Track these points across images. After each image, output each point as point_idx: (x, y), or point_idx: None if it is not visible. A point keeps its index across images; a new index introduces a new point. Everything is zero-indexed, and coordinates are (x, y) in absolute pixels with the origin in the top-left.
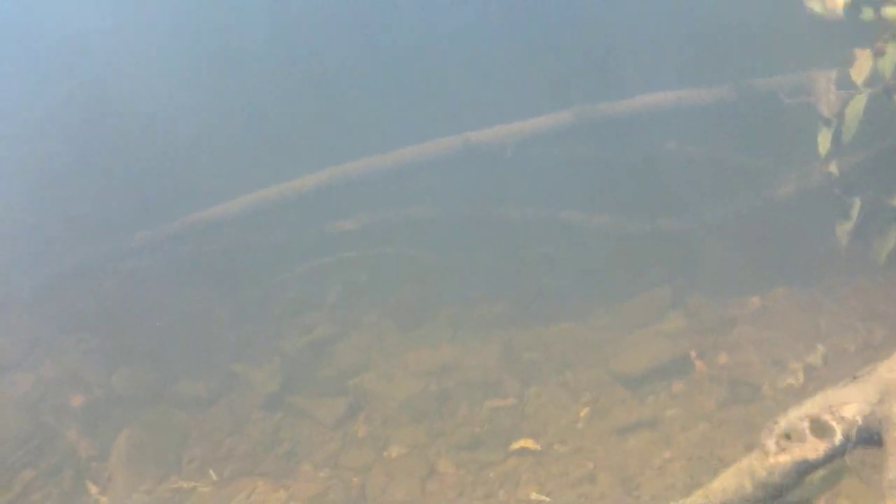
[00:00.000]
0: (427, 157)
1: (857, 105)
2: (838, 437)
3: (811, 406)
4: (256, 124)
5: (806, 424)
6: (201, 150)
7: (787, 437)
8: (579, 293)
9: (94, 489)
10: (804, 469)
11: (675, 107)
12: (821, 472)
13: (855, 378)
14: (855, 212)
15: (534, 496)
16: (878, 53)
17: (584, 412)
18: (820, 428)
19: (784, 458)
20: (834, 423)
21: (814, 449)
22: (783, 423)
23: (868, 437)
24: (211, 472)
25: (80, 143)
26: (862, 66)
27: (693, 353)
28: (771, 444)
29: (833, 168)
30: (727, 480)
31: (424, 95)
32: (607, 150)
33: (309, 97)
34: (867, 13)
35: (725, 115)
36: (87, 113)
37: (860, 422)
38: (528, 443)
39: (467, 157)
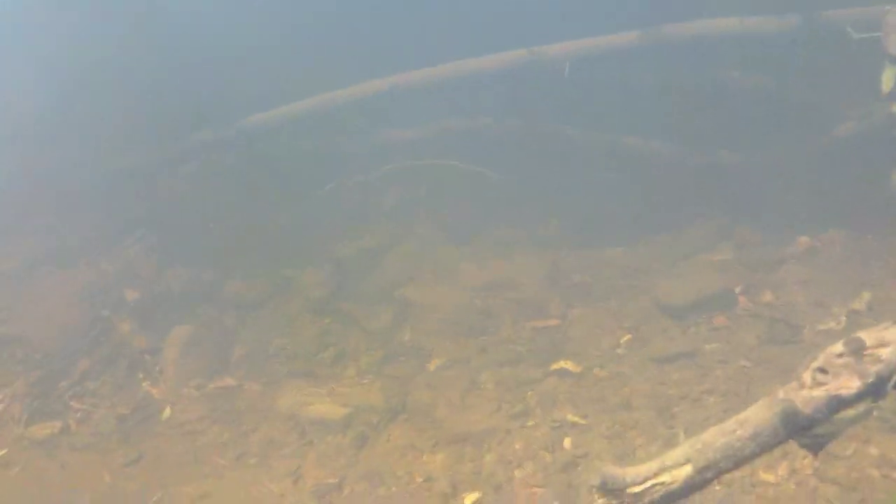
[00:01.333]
0: (491, 70)
1: None
2: (872, 377)
3: (850, 344)
4: (320, 29)
5: (843, 361)
6: (264, 55)
7: (824, 371)
8: (632, 220)
9: (145, 381)
10: (836, 405)
11: (740, 34)
12: (851, 412)
13: None
14: None
15: (569, 417)
16: None
17: (626, 339)
18: (856, 366)
19: (818, 393)
20: (870, 364)
21: (848, 386)
22: (821, 357)
23: None
24: (258, 371)
25: (145, 47)
26: None
27: (738, 289)
28: (807, 376)
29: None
30: (761, 409)
31: (493, 7)
32: (671, 76)
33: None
34: None
35: (791, 47)
36: (153, 18)
37: None
38: (567, 364)
39: (533, 76)
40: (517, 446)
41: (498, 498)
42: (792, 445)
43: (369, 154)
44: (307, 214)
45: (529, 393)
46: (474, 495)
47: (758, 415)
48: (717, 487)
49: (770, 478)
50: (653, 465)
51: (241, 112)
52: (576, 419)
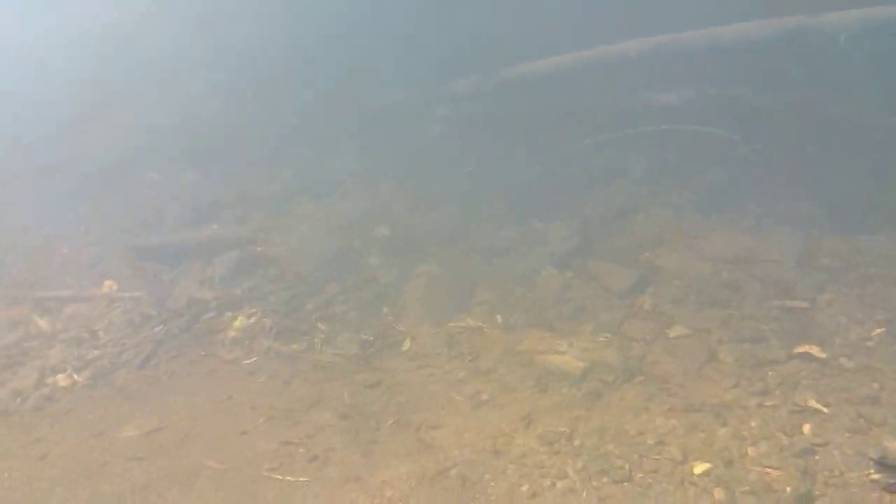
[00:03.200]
0: (750, 38)
1: None
2: None
3: None
4: None
5: None
6: (532, 6)
7: None
8: None
9: (387, 313)
10: None
11: None
12: None
13: None
14: None
15: (811, 403)
16: None
17: (878, 332)
18: None
19: None
20: None
21: None
22: None
23: None
24: (498, 316)
25: None
26: None
27: None
28: None
29: None
30: None
31: None
32: None
33: None
34: None
35: None
36: None
37: None
38: (812, 349)
39: (798, 46)
40: (753, 424)
41: (728, 472)
42: None
43: (623, 114)
44: (556, 167)
45: (770, 373)
46: (704, 465)
47: None
48: None
49: None
50: None
51: (501, 61)
52: (818, 406)
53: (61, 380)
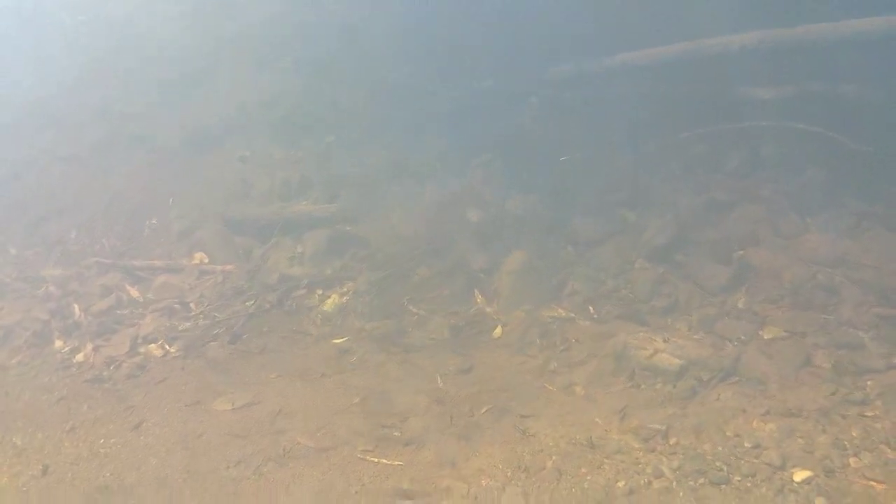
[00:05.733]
0: (869, 31)
1: None
2: None
3: None
4: None
5: None
6: None
7: None
8: None
9: (480, 298)
10: None
11: None
12: None
13: None
14: None
15: None
16: None
17: None
18: None
19: None
20: None
21: None
22: None
23: None
24: (590, 307)
25: None
26: None
27: None
28: None
29: None
30: None
31: None
32: None
33: None
34: None
35: None
36: None
37: None
38: None
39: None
40: (854, 433)
41: (830, 482)
42: None
43: (719, 107)
44: (652, 158)
45: (870, 382)
46: (805, 473)
47: None
48: None
49: None
50: None
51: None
52: None
53: (153, 350)
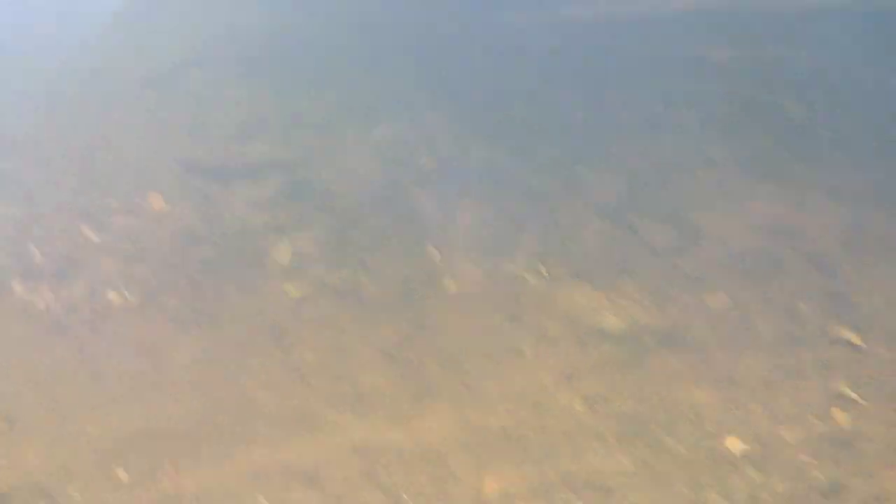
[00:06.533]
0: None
1: None
2: None
3: None
4: None
5: None
6: None
7: None
8: None
9: (434, 253)
10: None
11: None
12: None
13: None
14: None
15: (845, 390)
16: None
17: None
18: None
19: None
20: None
21: None
22: None
23: None
24: (541, 266)
25: None
26: None
27: None
28: None
29: None
30: None
31: None
32: None
33: None
34: None
35: None
36: None
37: None
38: (852, 335)
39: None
40: (788, 405)
41: (763, 451)
42: None
43: (680, 67)
44: (607, 113)
45: (808, 354)
46: (740, 442)
47: None
48: None
49: None
50: None
51: None
52: (853, 396)
53: (112, 297)
